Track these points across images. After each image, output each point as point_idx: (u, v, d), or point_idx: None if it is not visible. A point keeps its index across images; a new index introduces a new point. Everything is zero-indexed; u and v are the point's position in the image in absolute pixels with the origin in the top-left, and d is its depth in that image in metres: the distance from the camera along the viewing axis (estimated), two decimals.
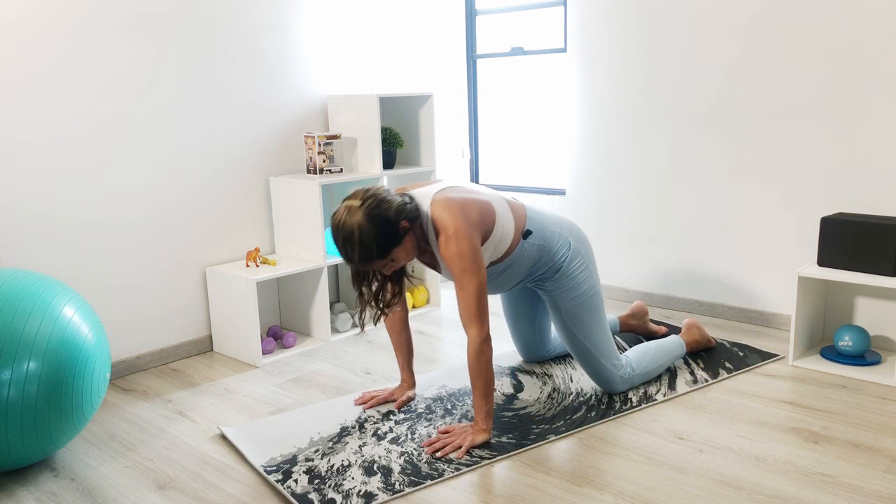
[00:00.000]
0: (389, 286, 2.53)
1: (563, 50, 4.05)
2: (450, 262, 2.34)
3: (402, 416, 2.64)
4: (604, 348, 2.69)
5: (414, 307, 3.92)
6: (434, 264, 2.58)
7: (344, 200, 2.34)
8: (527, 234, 2.57)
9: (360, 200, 2.30)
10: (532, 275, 2.66)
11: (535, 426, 2.54)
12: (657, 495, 2.11)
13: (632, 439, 2.44)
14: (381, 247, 2.29)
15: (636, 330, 3.31)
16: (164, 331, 3.28)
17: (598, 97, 3.89)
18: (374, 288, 2.51)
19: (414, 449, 2.39)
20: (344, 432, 2.52)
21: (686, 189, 3.68)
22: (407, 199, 2.39)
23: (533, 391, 2.82)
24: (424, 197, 2.43)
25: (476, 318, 2.33)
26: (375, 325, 2.58)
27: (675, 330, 3.39)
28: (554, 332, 3.10)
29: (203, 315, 3.41)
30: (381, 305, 2.53)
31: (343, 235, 2.29)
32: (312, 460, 2.33)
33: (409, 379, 2.76)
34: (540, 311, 2.99)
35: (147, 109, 3.12)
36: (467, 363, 2.38)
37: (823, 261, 3.00)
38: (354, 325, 3.66)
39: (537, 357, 3.09)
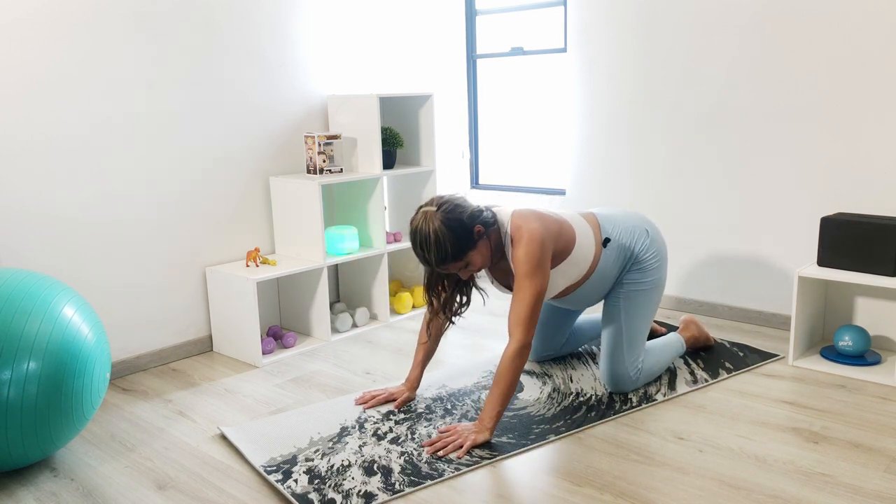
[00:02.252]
0: (458, 297, 2.62)
1: (563, 50, 4.05)
2: (517, 263, 2.43)
3: (402, 416, 2.64)
4: (634, 342, 2.74)
5: (414, 307, 3.92)
6: (508, 284, 2.66)
7: (420, 207, 2.45)
8: (605, 242, 2.69)
9: (436, 206, 2.42)
10: (622, 271, 2.75)
11: (535, 426, 2.54)
12: (657, 495, 2.11)
13: (632, 439, 2.44)
14: (455, 249, 2.38)
15: None
16: (164, 331, 3.28)
17: (598, 97, 3.89)
18: (443, 298, 2.60)
19: (414, 449, 2.39)
20: (344, 432, 2.52)
21: (686, 189, 3.68)
22: (483, 208, 2.51)
23: (533, 391, 2.82)
24: (506, 209, 2.56)
25: (525, 321, 2.40)
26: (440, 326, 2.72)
27: (673, 330, 3.39)
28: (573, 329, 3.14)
29: (203, 315, 3.41)
30: (449, 314, 2.63)
31: (420, 239, 2.40)
32: (312, 460, 2.33)
33: (416, 379, 2.75)
34: (573, 312, 3.06)
35: (147, 109, 3.12)
36: (500, 362, 2.41)
37: (823, 261, 3.00)
38: (354, 326, 3.67)
39: (542, 354, 3.09)
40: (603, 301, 2.84)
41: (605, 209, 2.85)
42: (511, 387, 2.41)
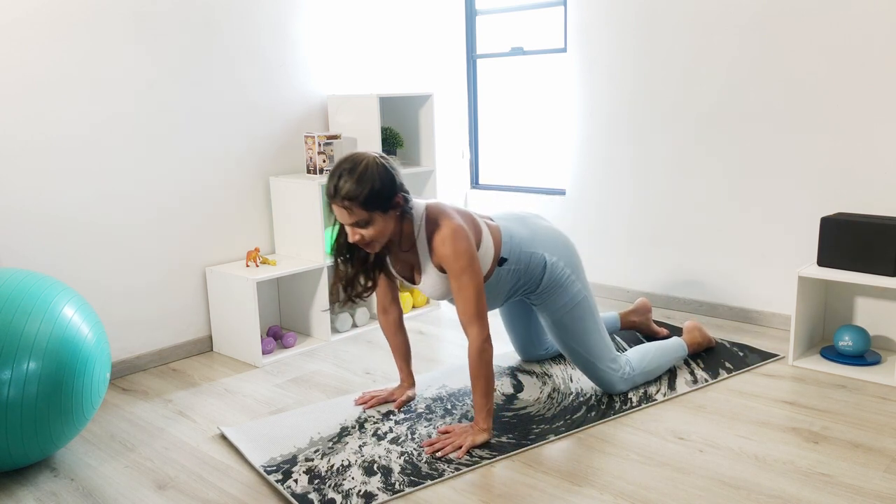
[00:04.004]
0: (363, 279, 2.48)
1: (563, 50, 4.05)
2: (447, 261, 2.33)
3: (402, 416, 2.64)
4: (598, 352, 2.68)
5: (414, 307, 3.92)
6: (410, 276, 2.52)
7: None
8: (502, 261, 2.54)
9: (381, 156, 2.31)
10: (515, 293, 2.65)
11: (535, 426, 2.54)
12: (657, 495, 2.11)
13: (632, 439, 2.44)
14: (371, 196, 2.23)
15: (638, 327, 3.30)
16: (164, 331, 3.28)
17: (598, 97, 3.89)
18: (349, 271, 2.45)
19: (414, 449, 2.39)
20: (344, 432, 2.52)
21: (686, 189, 3.68)
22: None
23: (533, 391, 2.82)
24: (419, 202, 2.43)
25: (475, 317, 2.33)
26: (335, 311, 2.52)
27: (676, 332, 3.39)
28: None
29: (203, 315, 3.41)
30: (351, 293, 2.47)
31: (349, 165, 2.25)
32: (312, 460, 2.33)
33: (408, 379, 2.76)
34: (534, 311, 2.97)
35: (147, 109, 3.12)
36: (468, 363, 2.38)
37: (823, 261, 3.00)
38: (354, 326, 3.66)
39: (534, 356, 3.09)
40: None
41: (513, 221, 2.65)
42: (489, 381, 2.38)
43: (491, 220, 2.62)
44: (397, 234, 2.39)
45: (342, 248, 2.44)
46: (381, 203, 2.26)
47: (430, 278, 2.45)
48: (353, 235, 2.31)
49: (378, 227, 2.29)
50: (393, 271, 2.56)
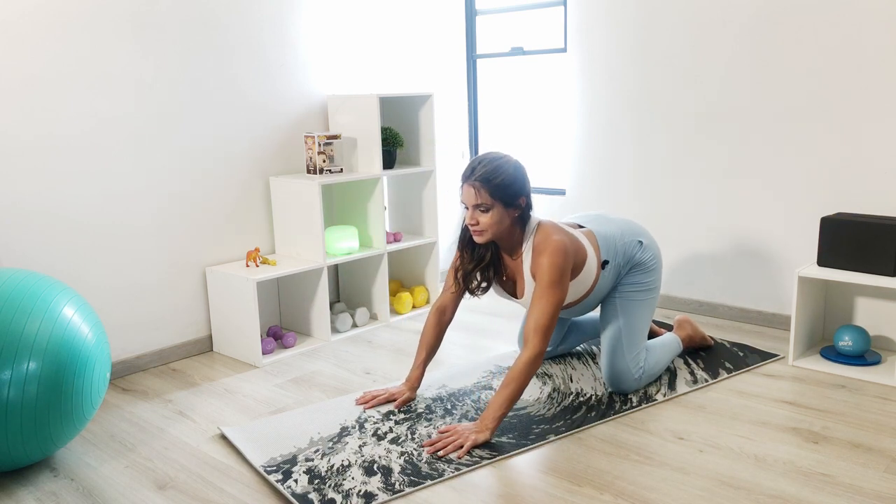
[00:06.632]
0: (479, 276, 2.65)
1: (563, 50, 4.05)
2: (540, 269, 2.46)
3: (402, 416, 2.64)
4: (634, 339, 2.74)
5: (414, 307, 3.92)
6: (513, 290, 2.66)
7: None
8: (604, 264, 2.70)
9: (520, 162, 2.54)
10: (616, 281, 2.78)
11: (535, 426, 2.54)
12: (657, 495, 2.11)
13: (632, 439, 2.44)
14: (501, 185, 2.43)
15: None
16: (164, 331, 3.28)
17: (598, 97, 3.89)
18: (469, 266, 2.63)
19: (414, 449, 2.39)
20: (344, 432, 2.52)
21: (685, 189, 3.68)
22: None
23: (533, 391, 2.82)
24: (535, 217, 2.60)
25: (544, 330, 2.42)
26: (476, 292, 2.71)
27: (669, 330, 3.39)
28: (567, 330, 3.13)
29: (203, 315, 3.41)
30: (467, 284, 2.66)
31: (492, 156, 2.49)
32: (312, 460, 2.33)
33: (417, 379, 2.75)
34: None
35: (147, 109, 3.12)
36: (513, 366, 2.42)
37: (823, 261, 3.00)
38: (354, 326, 3.67)
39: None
40: (601, 306, 2.85)
41: (598, 223, 2.82)
42: (519, 392, 2.41)
43: (580, 226, 2.77)
44: (508, 237, 2.56)
45: (466, 244, 2.64)
46: (506, 197, 2.45)
47: (530, 291, 2.56)
48: (471, 218, 2.49)
49: (495, 217, 2.47)
50: (499, 283, 2.70)
